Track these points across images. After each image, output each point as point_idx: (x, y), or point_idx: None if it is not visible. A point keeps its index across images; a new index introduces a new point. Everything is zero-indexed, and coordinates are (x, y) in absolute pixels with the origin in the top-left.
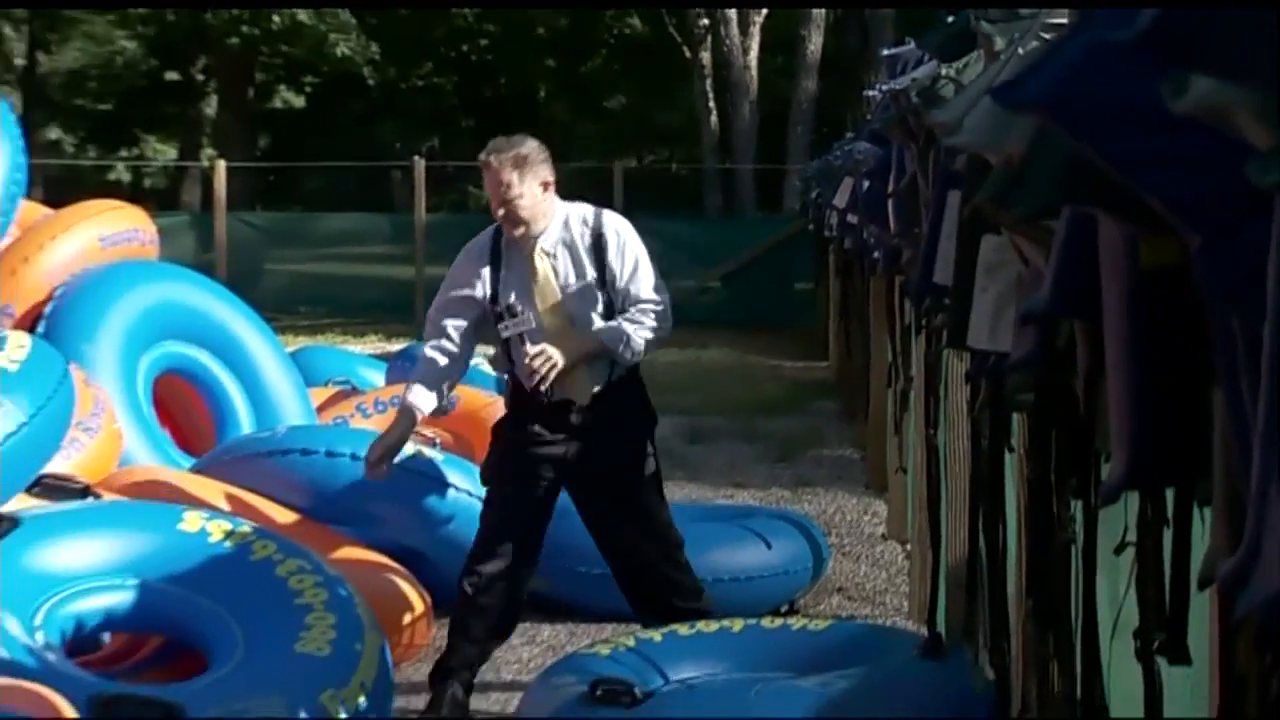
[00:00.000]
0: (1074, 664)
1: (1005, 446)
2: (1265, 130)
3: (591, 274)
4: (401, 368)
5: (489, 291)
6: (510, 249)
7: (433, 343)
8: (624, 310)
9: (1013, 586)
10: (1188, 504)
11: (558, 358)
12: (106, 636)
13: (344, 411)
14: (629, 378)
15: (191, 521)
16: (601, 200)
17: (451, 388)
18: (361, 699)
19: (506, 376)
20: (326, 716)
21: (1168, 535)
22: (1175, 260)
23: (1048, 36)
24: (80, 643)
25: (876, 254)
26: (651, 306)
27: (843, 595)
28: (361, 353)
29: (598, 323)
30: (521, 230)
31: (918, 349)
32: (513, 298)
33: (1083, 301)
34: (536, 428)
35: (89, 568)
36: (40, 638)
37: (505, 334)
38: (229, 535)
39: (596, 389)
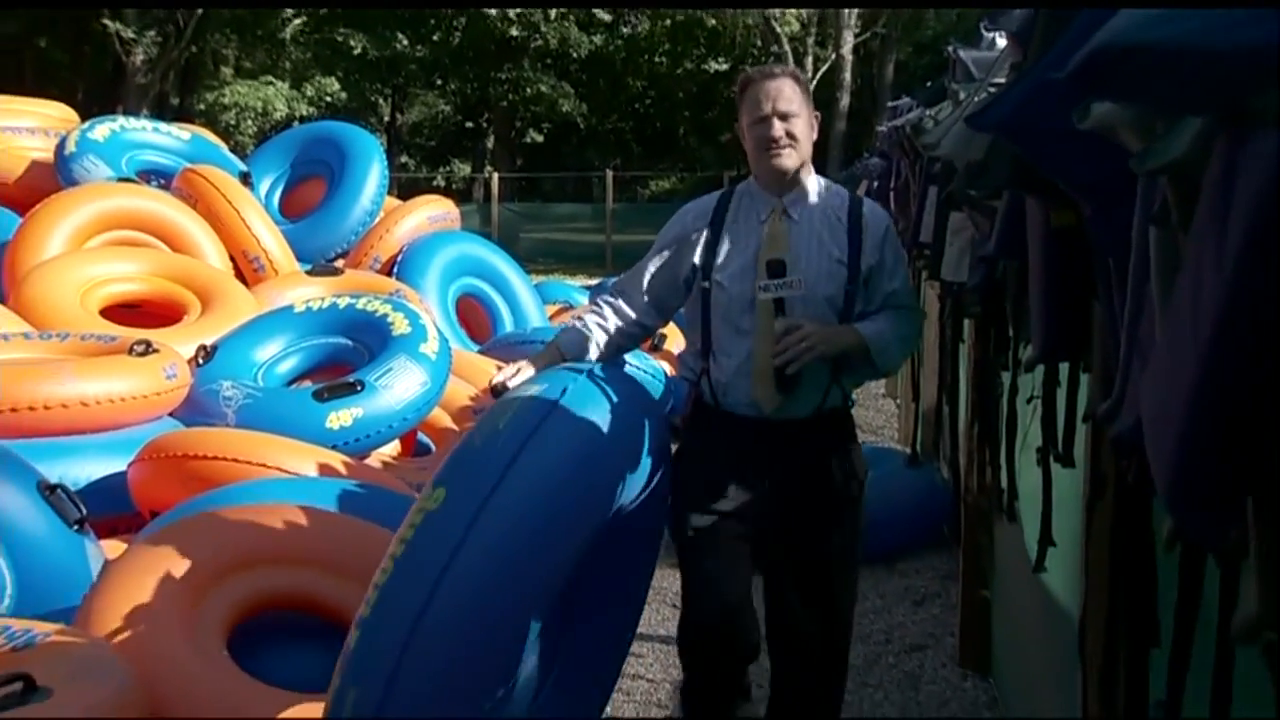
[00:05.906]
0: (1000, 466)
1: (959, 339)
2: (1136, 138)
3: (840, 255)
4: (597, 293)
5: (702, 257)
6: (744, 210)
7: (608, 298)
8: (871, 308)
9: (963, 423)
10: (1076, 372)
11: (819, 342)
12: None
13: (564, 319)
14: (844, 406)
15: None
16: None
17: (612, 348)
18: None
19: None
20: None
21: (1059, 392)
22: (1074, 223)
23: (992, 89)
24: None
25: None
26: (913, 313)
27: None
28: (574, 284)
29: (828, 314)
30: (791, 161)
31: None
32: (747, 261)
33: (1015, 248)
34: (725, 454)
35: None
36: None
37: (763, 296)
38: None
39: (814, 406)
